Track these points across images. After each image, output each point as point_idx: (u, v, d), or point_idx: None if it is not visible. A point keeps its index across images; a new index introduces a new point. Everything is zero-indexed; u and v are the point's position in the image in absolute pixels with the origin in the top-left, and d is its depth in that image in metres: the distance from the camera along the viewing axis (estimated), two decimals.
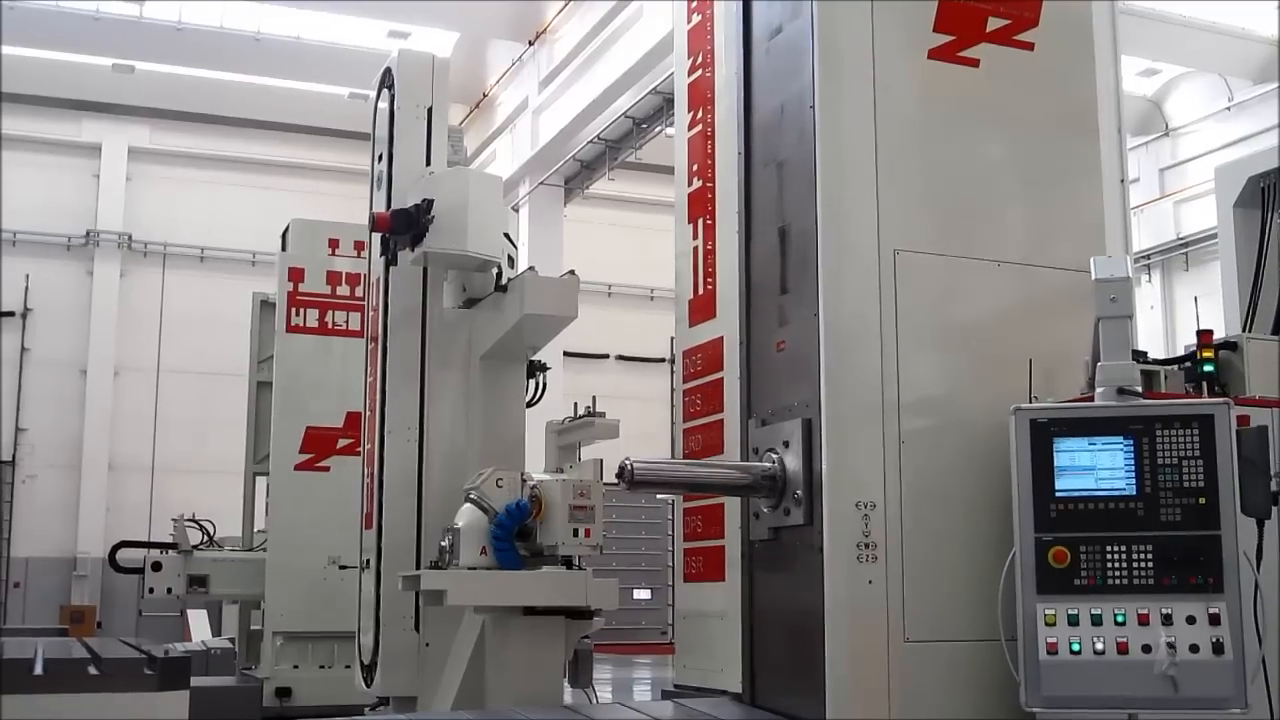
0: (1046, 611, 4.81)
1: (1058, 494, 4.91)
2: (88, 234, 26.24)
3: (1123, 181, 6.57)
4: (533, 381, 8.03)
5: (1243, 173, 8.72)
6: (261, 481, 11.35)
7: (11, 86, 23.10)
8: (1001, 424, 5.17)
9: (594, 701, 7.23)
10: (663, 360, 26.97)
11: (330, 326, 10.75)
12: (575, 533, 6.55)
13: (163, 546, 11.11)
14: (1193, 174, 22.80)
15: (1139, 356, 5.57)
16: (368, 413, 7.71)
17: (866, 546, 5.50)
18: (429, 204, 7.19)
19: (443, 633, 7.12)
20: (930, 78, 6.06)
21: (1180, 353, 6.25)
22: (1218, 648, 4.62)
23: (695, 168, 6.91)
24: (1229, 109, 22.50)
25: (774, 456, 5.80)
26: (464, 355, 7.61)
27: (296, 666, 10.23)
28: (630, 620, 21.77)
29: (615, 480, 5.82)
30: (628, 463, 5.57)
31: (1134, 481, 4.84)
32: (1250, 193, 8.54)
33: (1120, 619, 4.72)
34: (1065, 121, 6.39)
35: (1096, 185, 6.41)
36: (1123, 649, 4.68)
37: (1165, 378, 5.88)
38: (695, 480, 6.18)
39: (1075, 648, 4.73)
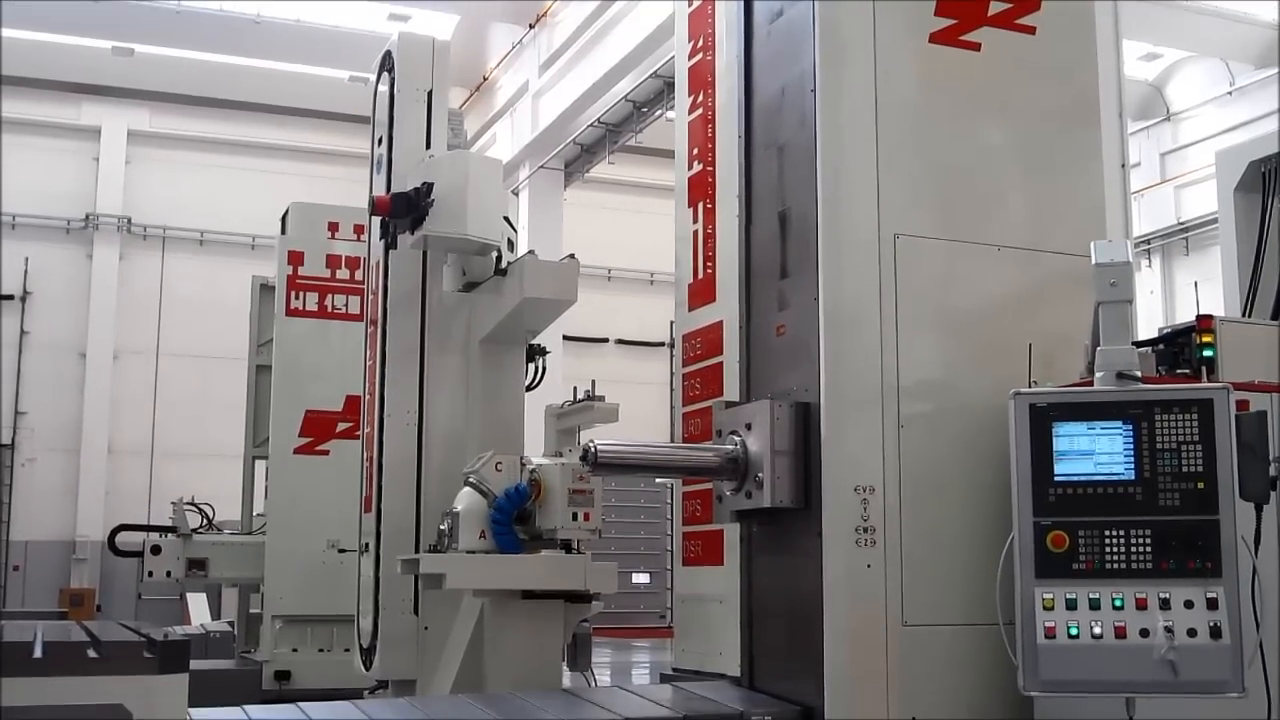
0: (1045, 596, 4.81)
1: (1056, 478, 4.90)
2: (87, 217, 26.20)
3: (1123, 166, 6.58)
4: (532, 365, 8.04)
5: (1243, 157, 8.70)
6: (261, 465, 11.36)
7: (11, 69, 23.04)
8: (1001, 408, 5.17)
9: (593, 685, 7.25)
10: (662, 344, 27.00)
11: (330, 310, 10.75)
12: (574, 516, 6.57)
13: (162, 530, 11.13)
14: (1193, 159, 22.76)
15: None
16: (367, 396, 7.71)
17: (865, 531, 5.51)
18: (429, 187, 7.18)
19: (442, 616, 7.14)
20: (931, 62, 6.05)
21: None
22: (1215, 632, 4.62)
23: (695, 151, 6.90)
24: (1230, 94, 22.46)
25: (736, 439, 5.81)
26: (463, 339, 7.62)
27: (296, 650, 10.26)
28: (629, 604, 21.81)
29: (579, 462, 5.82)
30: (591, 445, 5.59)
31: (1133, 466, 4.83)
32: (1251, 177, 8.52)
33: (1118, 603, 4.73)
34: (1066, 106, 6.38)
35: (1097, 170, 6.41)
36: (1121, 633, 4.68)
37: None
38: (659, 463, 6.18)
39: (1073, 632, 4.73)
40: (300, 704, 5.37)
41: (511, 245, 7.92)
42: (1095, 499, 4.85)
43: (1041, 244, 6.12)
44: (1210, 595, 4.66)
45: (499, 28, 23.64)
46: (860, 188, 5.78)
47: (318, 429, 10.54)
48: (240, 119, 27.02)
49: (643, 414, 21.61)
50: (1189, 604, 4.67)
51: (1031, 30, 6.23)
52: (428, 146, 7.59)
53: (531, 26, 22.68)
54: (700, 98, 6.90)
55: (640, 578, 23.25)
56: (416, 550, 7.08)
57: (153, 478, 24.80)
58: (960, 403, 5.79)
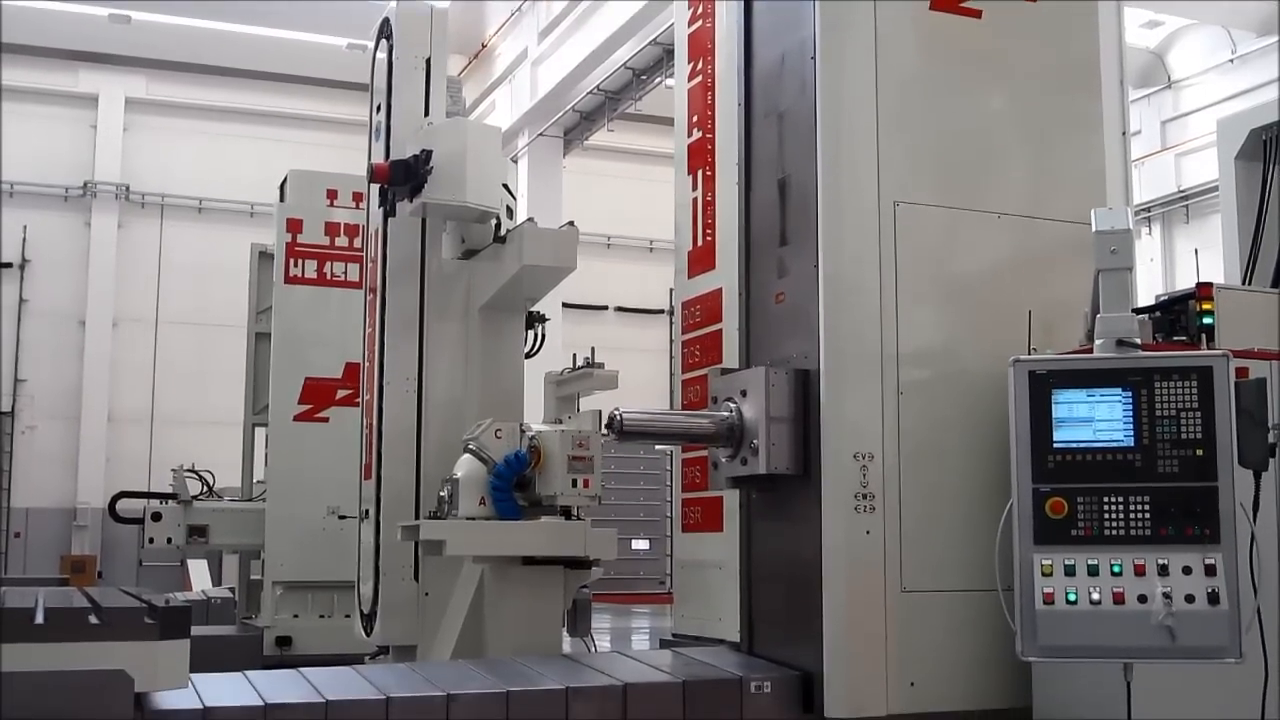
0: (1043, 562, 4.82)
1: (1055, 445, 4.90)
2: (85, 185, 26.13)
3: (1124, 134, 6.56)
4: (531, 332, 8.04)
5: (1244, 125, 8.68)
6: (260, 432, 11.36)
7: (8, 37, 22.92)
8: (1000, 375, 5.16)
9: (593, 650, 7.27)
10: (662, 311, 26.97)
11: (329, 278, 10.73)
12: (574, 483, 6.58)
13: (162, 497, 11.14)
14: (1194, 126, 22.66)
15: None
16: (366, 364, 7.72)
17: (864, 497, 5.53)
18: (427, 155, 7.17)
19: (442, 582, 7.16)
20: (932, 29, 6.04)
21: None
22: (1213, 598, 4.63)
23: (695, 119, 6.89)
24: (1232, 61, 22.33)
25: (732, 406, 5.82)
26: (463, 306, 7.61)
27: (296, 616, 10.28)
28: (628, 570, 21.86)
29: (605, 430, 5.86)
30: (617, 413, 5.63)
31: (1132, 433, 4.84)
32: (1252, 145, 8.49)
33: (1117, 569, 4.74)
34: (1067, 73, 6.37)
35: (1098, 137, 6.40)
36: (1119, 599, 4.70)
37: None
38: (682, 430, 6.19)
39: (1071, 598, 4.74)
40: (302, 669, 5.40)
41: (510, 213, 7.91)
42: (1094, 466, 4.86)
43: (1041, 211, 6.12)
44: (1208, 562, 4.67)
45: None
46: (860, 155, 5.78)
47: (317, 396, 10.53)
48: (238, 86, 26.91)
49: (642, 381, 21.63)
50: (1187, 570, 4.68)
51: None
52: (426, 114, 7.57)
53: None
54: (700, 65, 6.88)
55: (640, 544, 23.29)
56: (416, 517, 7.10)
57: (153, 445, 24.82)
58: (959, 370, 5.80)
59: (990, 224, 6.01)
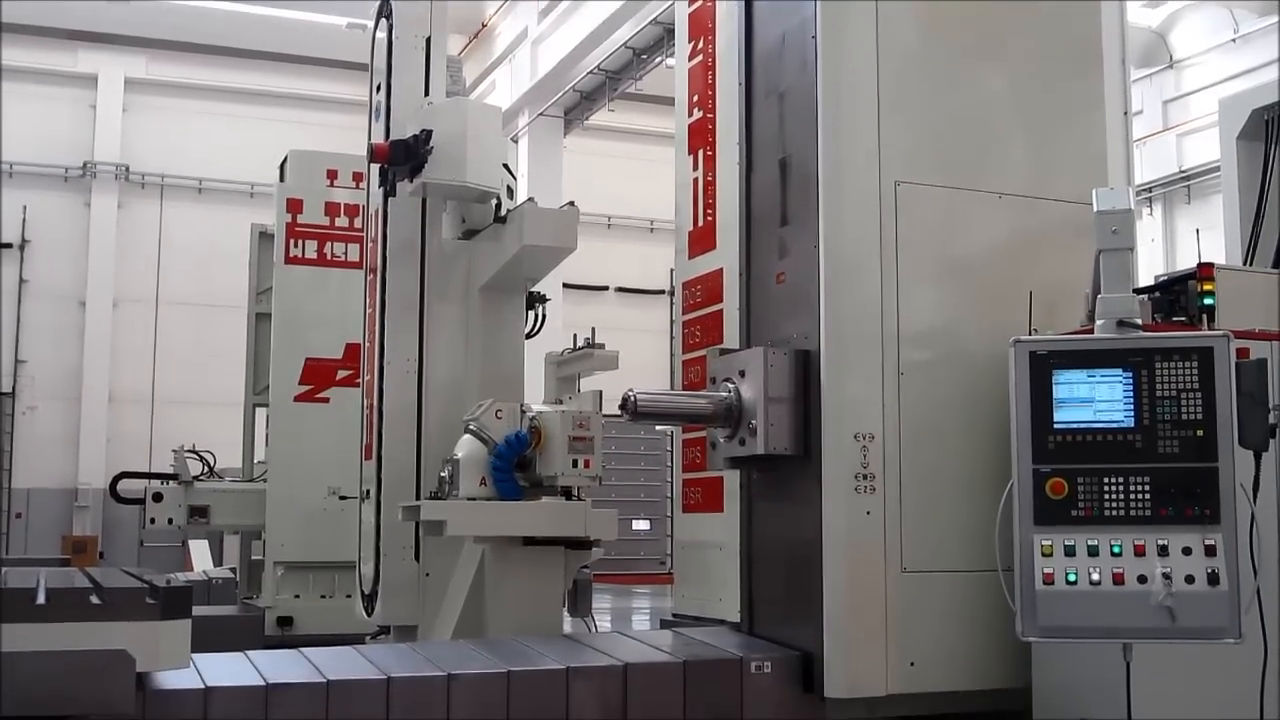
0: (1043, 542, 4.82)
1: (1056, 426, 4.90)
2: (85, 165, 26.07)
3: (1125, 114, 6.54)
4: (532, 313, 8.03)
5: (1246, 105, 8.67)
6: (261, 413, 11.37)
7: (7, 16, 22.85)
8: (1001, 356, 5.16)
9: (593, 630, 7.29)
10: (662, 292, 26.95)
11: (329, 258, 10.73)
12: (574, 463, 6.58)
13: (163, 477, 11.16)
14: (1196, 106, 22.59)
15: None
16: (367, 344, 7.72)
17: (865, 478, 5.53)
18: (427, 135, 7.15)
19: (443, 563, 7.17)
20: (933, 7, 6.02)
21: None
22: (1213, 579, 4.63)
23: (696, 98, 6.87)
24: (1234, 41, 22.25)
25: (730, 386, 5.82)
26: (463, 286, 7.60)
27: (298, 596, 10.31)
28: (629, 551, 21.87)
29: (618, 412, 5.86)
30: (631, 394, 5.63)
31: (1132, 414, 4.83)
32: (1254, 125, 8.48)
33: (1116, 550, 4.74)
34: (1069, 53, 6.35)
35: (1099, 117, 6.39)
36: (1119, 579, 4.70)
37: None
38: (693, 411, 6.19)
39: (1071, 578, 4.75)
40: (303, 649, 5.41)
41: (511, 193, 7.89)
42: (1094, 446, 4.85)
43: (1043, 191, 6.11)
44: (1208, 542, 4.68)
45: None
46: (861, 135, 5.77)
47: (318, 376, 10.54)
48: (238, 66, 26.82)
49: (642, 362, 21.62)
50: (1187, 551, 4.68)
51: None
52: (426, 94, 7.55)
53: None
54: (700, 44, 6.86)
55: (640, 524, 23.30)
56: (417, 497, 7.10)
57: (154, 425, 24.82)
58: (960, 350, 5.80)
59: (991, 204, 6.00)
